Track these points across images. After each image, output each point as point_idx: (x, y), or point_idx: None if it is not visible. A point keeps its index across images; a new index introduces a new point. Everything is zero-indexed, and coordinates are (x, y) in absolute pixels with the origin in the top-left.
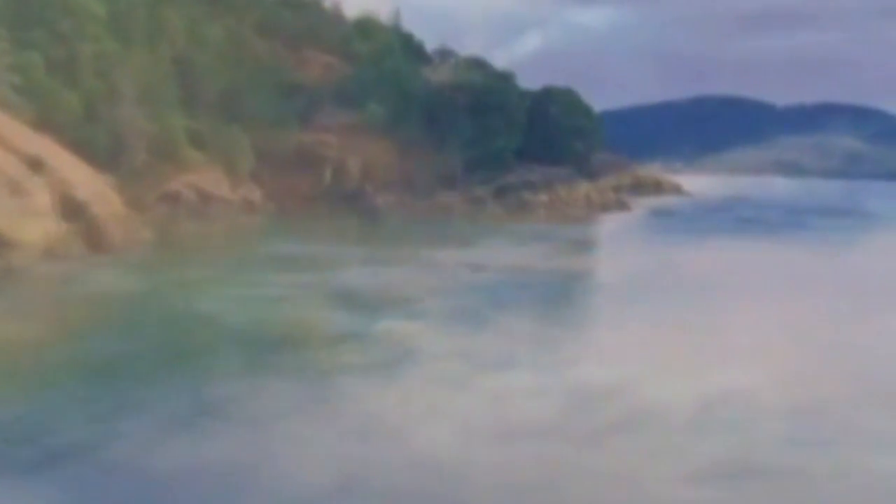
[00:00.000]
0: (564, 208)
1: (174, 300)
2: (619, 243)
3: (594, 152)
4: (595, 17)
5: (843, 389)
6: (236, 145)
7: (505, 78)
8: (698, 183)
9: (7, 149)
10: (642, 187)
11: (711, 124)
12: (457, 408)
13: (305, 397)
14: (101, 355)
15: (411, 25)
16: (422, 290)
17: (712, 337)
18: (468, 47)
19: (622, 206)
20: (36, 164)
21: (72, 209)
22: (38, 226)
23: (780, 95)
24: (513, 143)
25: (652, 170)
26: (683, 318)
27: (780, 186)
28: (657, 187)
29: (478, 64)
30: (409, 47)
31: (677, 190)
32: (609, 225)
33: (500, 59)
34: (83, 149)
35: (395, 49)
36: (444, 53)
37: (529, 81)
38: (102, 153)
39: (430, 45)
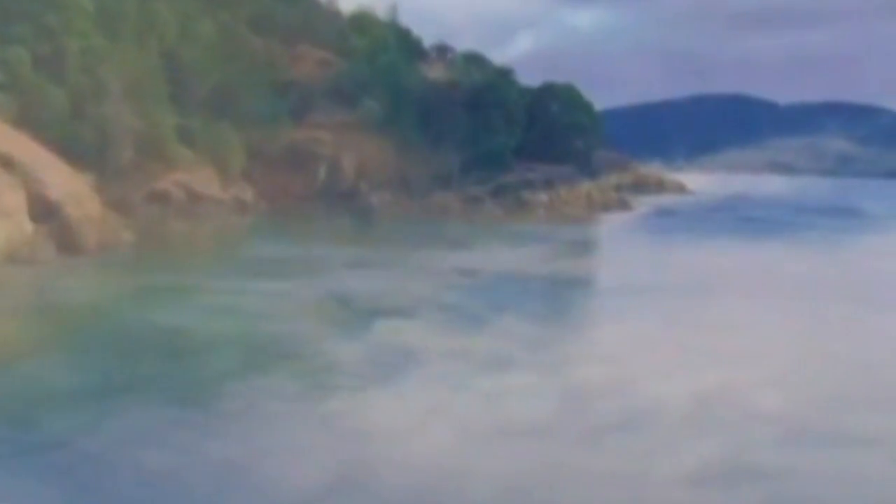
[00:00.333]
0: (564, 208)
1: (133, 312)
2: (620, 245)
3: (595, 150)
4: (593, 16)
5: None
6: (227, 143)
7: (504, 74)
8: (700, 181)
9: None
10: (644, 186)
11: (713, 122)
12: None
13: (239, 454)
14: (18, 384)
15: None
16: (408, 299)
17: (721, 363)
18: (460, 48)
19: (624, 205)
20: (6, 163)
21: (43, 210)
22: (1, 228)
23: (783, 94)
24: (512, 141)
25: (653, 168)
26: (695, 343)
27: (782, 185)
28: (659, 186)
29: (476, 60)
30: (406, 43)
31: (680, 188)
32: (610, 225)
33: (496, 59)
34: (68, 146)
35: (392, 44)
36: (442, 49)
37: (527, 81)
38: (88, 151)
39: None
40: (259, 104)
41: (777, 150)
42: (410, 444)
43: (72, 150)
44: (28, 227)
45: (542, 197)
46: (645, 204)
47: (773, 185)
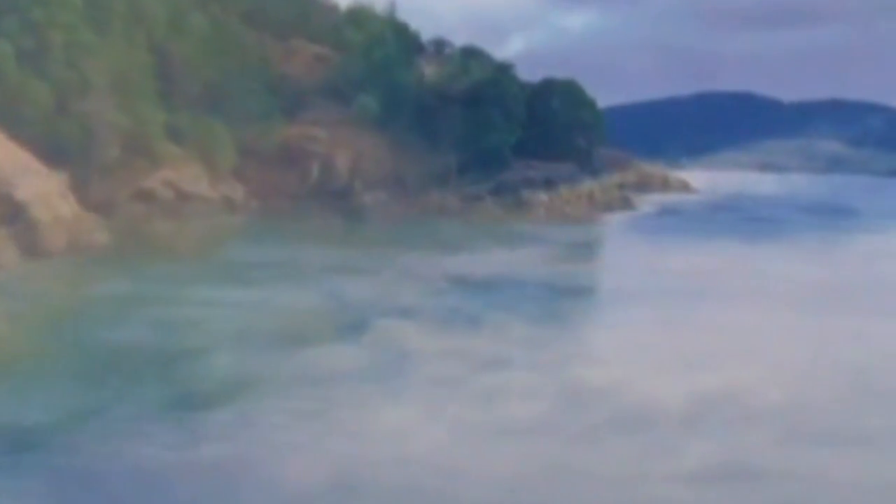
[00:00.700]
0: (565, 207)
1: (73, 327)
2: (622, 250)
3: (597, 148)
4: (594, 13)
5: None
6: (217, 140)
7: (503, 69)
8: (704, 179)
9: None
10: (647, 184)
11: (717, 120)
12: None
13: None
14: None
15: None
16: (388, 314)
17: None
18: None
19: (627, 204)
20: None
21: (8, 212)
22: None
23: (787, 91)
24: (511, 139)
25: (656, 166)
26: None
27: (788, 182)
28: (663, 184)
29: (475, 55)
30: (404, 38)
31: (684, 187)
32: (612, 226)
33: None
34: (51, 143)
35: (388, 39)
36: (440, 44)
37: (527, 79)
38: (72, 148)
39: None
40: (251, 100)
41: (789, 144)
42: None
43: (54, 148)
44: None
45: (542, 196)
46: (648, 203)
47: (778, 182)
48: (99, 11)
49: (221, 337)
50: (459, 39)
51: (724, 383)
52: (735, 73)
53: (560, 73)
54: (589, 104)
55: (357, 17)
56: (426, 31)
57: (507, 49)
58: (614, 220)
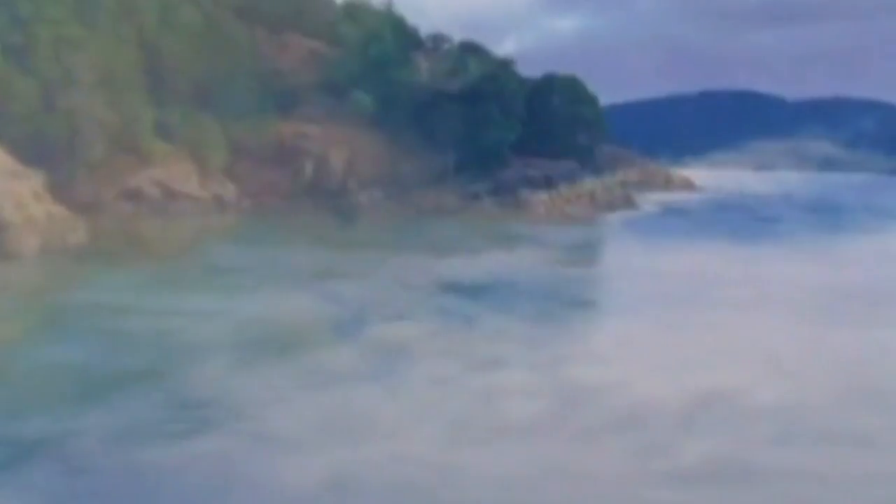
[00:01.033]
0: (566, 206)
1: (10, 337)
2: (623, 252)
3: (599, 145)
4: (595, 12)
5: None
6: (208, 138)
7: (503, 65)
8: (709, 177)
9: None
10: (651, 182)
11: (721, 118)
12: None
13: None
14: None
15: None
16: (368, 325)
17: None
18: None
19: (629, 203)
20: None
21: None
22: None
23: (791, 89)
24: (510, 136)
25: (660, 164)
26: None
27: (794, 180)
28: (666, 182)
29: (473, 50)
30: (401, 33)
31: (688, 185)
32: (614, 227)
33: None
34: (36, 141)
35: (385, 34)
36: (438, 40)
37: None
38: (57, 145)
39: None
40: (243, 97)
41: (793, 142)
42: None
43: (40, 145)
44: None
45: (543, 195)
46: (652, 202)
47: (790, 181)
48: (87, 6)
49: (178, 353)
50: (460, 34)
51: (729, 391)
52: (739, 71)
53: (560, 72)
54: (590, 100)
55: (353, 11)
56: (426, 29)
57: (502, 50)
58: (616, 220)
